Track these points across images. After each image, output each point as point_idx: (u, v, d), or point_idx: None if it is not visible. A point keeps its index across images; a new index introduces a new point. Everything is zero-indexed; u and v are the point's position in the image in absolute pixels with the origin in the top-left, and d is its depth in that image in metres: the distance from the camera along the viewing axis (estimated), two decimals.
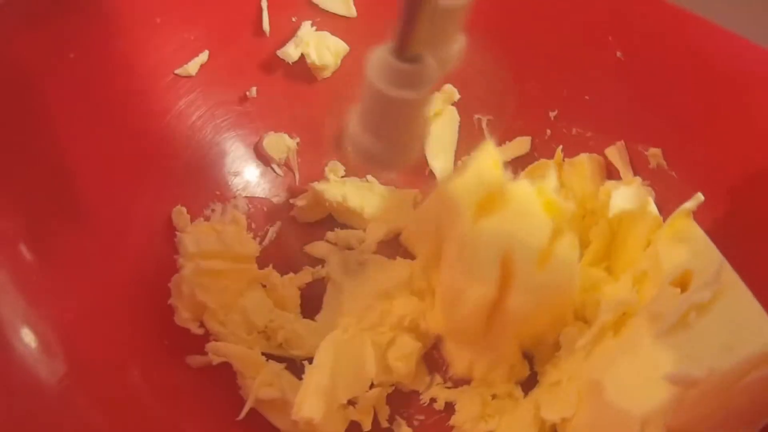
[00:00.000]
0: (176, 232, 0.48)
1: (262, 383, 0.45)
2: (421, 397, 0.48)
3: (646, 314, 0.42)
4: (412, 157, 0.35)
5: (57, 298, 0.42)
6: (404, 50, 0.30)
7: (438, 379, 0.49)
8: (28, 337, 0.40)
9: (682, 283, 0.43)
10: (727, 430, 0.39)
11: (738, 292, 0.40)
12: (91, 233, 0.45)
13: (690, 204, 0.44)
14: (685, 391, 0.37)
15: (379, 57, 0.31)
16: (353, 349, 0.46)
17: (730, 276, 0.41)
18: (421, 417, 0.48)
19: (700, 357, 0.38)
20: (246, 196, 0.52)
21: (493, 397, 0.47)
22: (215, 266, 0.46)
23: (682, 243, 0.44)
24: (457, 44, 0.37)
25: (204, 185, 0.50)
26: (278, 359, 0.47)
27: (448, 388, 0.48)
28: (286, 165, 0.53)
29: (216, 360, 0.46)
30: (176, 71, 0.48)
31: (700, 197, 0.44)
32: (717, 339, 0.39)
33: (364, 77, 0.31)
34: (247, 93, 0.51)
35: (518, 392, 0.47)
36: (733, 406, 0.38)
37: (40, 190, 0.42)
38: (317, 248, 0.52)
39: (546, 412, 0.44)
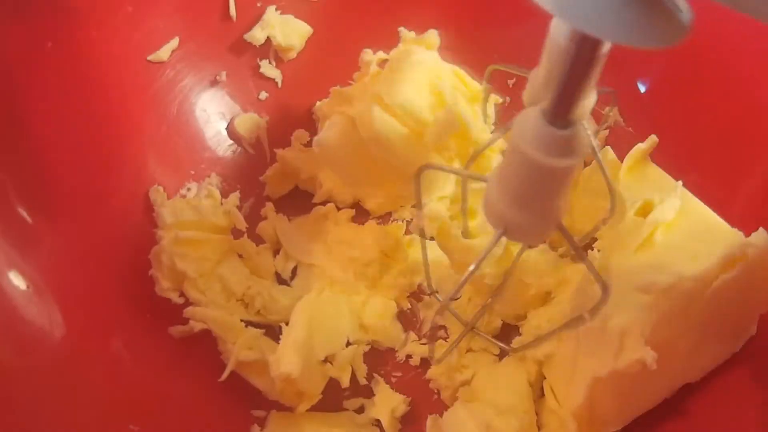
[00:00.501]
0: (154, 208, 0.49)
1: (242, 346, 0.45)
2: (397, 354, 0.49)
3: (615, 242, 0.44)
4: (554, 228, 0.31)
5: (41, 273, 0.43)
6: (563, 116, 0.27)
7: (413, 336, 0.49)
8: (10, 311, 0.41)
9: (645, 212, 0.44)
10: (707, 345, 0.40)
11: (697, 209, 0.42)
12: (71, 214, 0.45)
13: (644, 145, 0.46)
14: (658, 299, 0.38)
15: (531, 123, 0.28)
16: (328, 308, 0.48)
17: (688, 196, 0.43)
18: (399, 374, 0.48)
19: (669, 267, 0.39)
20: (219, 175, 0.53)
21: (468, 350, 0.48)
22: (193, 236, 0.47)
23: (640, 179, 0.46)
24: (592, 97, 0.33)
25: (179, 166, 0.52)
26: (257, 326, 0.48)
27: (423, 344, 0.49)
28: (257, 143, 0.54)
29: (197, 327, 0.46)
30: (148, 57, 0.50)
31: (654, 139, 0.46)
32: (683, 251, 0.40)
33: (511, 144, 0.28)
34: (218, 77, 0.53)
35: (494, 348, 0.48)
36: (709, 317, 0.39)
37: (19, 174, 0.43)
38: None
39: (532, 352, 0.45)
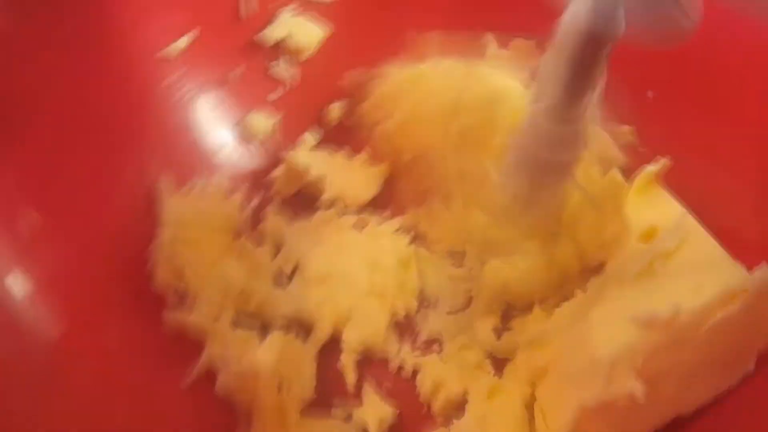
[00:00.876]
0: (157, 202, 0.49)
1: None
2: (389, 364, 0.48)
3: (615, 268, 0.43)
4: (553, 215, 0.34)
5: (40, 265, 0.43)
6: (570, 112, 0.28)
7: (407, 347, 0.49)
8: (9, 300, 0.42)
9: (649, 239, 0.44)
10: (702, 379, 0.39)
11: (700, 239, 0.41)
12: (73, 206, 0.46)
13: (654, 167, 0.45)
14: (653, 332, 0.37)
15: (536, 120, 0.29)
16: None
17: (693, 225, 0.42)
18: (389, 384, 0.48)
19: (666, 299, 0.38)
20: (225, 173, 0.53)
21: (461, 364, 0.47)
22: (193, 234, 0.47)
23: (647, 203, 0.46)
24: (598, 89, 0.34)
25: (186, 162, 0.51)
26: (250, 325, 0.48)
27: (417, 356, 0.48)
28: (267, 143, 0.54)
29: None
30: (160, 53, 0.50)
31: (665, 162, 0.45)
32: (683, 283, 0.39)
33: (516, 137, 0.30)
34: (230, 74, 0.53)
35: (488, 366, 0.47)
36: (705, 351, 0.38)
37: (25, 167, 0.44)
38: None
39: (523, 369, 0.45)
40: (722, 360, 0.39)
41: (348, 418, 0.47)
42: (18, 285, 0.42)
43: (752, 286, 0.37)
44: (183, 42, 0.51)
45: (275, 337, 0.45)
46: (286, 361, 0.43)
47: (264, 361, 0.43)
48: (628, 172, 0.49)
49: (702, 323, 0.37)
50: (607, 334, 0.39)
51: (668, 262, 0.40)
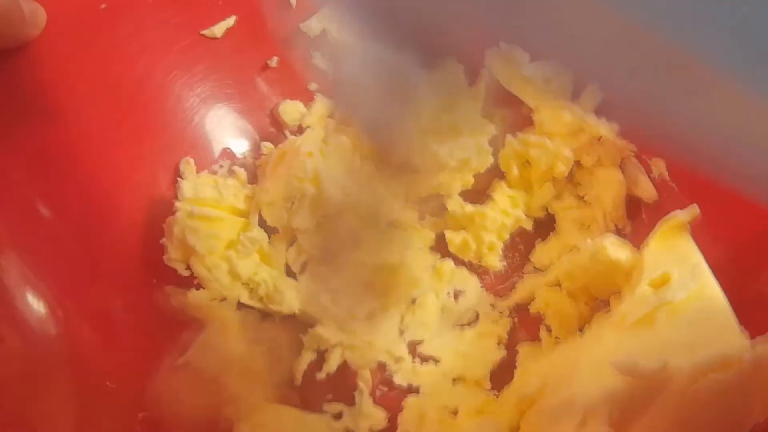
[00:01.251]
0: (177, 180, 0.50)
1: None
2: (386, 370, 0.48)
3: (618, 309, 0.42)
4: None
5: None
6: None
7: (408, 355, 0.49)
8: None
9: (660, 285, 0.42)
10: None
11: (710, 297, 0.39)
12: (96, 179, 0.47)
13: (682, 213, 0.43)
14: (636, 383, 0.36)
15: None
16: None
17: (709, 281, 0.40)
18: (384, 388, 0.48)
19: (658, 352, 0.37)
20: (252, 158, 0.53)
21: (459, 381, 0.47)
22: (208, 213, 0.48)
23: (668, 248, 0.43)
24: None
25: (216, 142, 0.52)
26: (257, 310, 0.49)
27: (416, 366, 0.48)
28: (299, 131, 0.54)
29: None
30: (202, 32, 0.50)
31: (695, 209, 0.43)
32: (679, 338, 0.38)
33: None
34: (268, 62, 0.53)
35: (486, 383, 0.47)
36: (690, 415, 0.36)
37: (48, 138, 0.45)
38: None
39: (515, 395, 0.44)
40: (709, 428, 0.37)
41: (338, 415, 0.48)
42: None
43: (749, 357, 0.35)
44: (229, 22, 0.51)
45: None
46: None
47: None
48: (656, 209, 0.48)
49: (689, 384, 0.35)
50: (591, 377, 0.38)
51: (671, 314, 0.39)
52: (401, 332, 0.50)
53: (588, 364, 0.39)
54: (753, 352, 0.35)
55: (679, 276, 0.40)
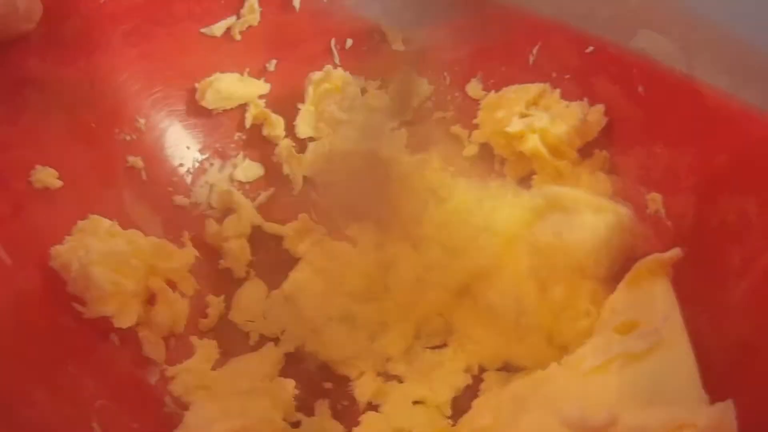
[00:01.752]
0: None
1: None
2: (350, 383, 0.48)
3: (577, 353, 0.40)
4: None
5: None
6: None
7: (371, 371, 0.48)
8: None
9: (626, 332, 0.40)
10: None
11: (677, 352, 0.37)
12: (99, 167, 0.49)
13: (663, 255, 0.41)
14: None
15: None
16: None
17: (677, 333, 0.38)
18: (345, 403, 0.47)
19: (610, 404, 0.35)
20: (246, 156, 0.53)
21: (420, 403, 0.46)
22: None
23: (643, 291, 0.41)
24: None
25: (212, 135, 0.53)
26: None
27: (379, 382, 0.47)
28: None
29: None
30: (201, 30, 0.50)
31: (677, 252, 0.41)
32: (635, 392, 0.36)
33: None
34: (267, 65, 0.53)
35: (447, 409, 0.46)
36: None
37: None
38: None
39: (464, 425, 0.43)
40: None
41: (296, 424, 0.47)
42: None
43: (703, 422, 0.33)
44: (229, 21, 0.51)
45: None
46: None
47: None
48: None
49: None
50: (537, 425, 0.36)
51: (630, 365, 0.37)
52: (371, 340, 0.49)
53: (536, 408, 0.38)
54: (708, 417, 0.33)
55: (646, 324, 0.38)
